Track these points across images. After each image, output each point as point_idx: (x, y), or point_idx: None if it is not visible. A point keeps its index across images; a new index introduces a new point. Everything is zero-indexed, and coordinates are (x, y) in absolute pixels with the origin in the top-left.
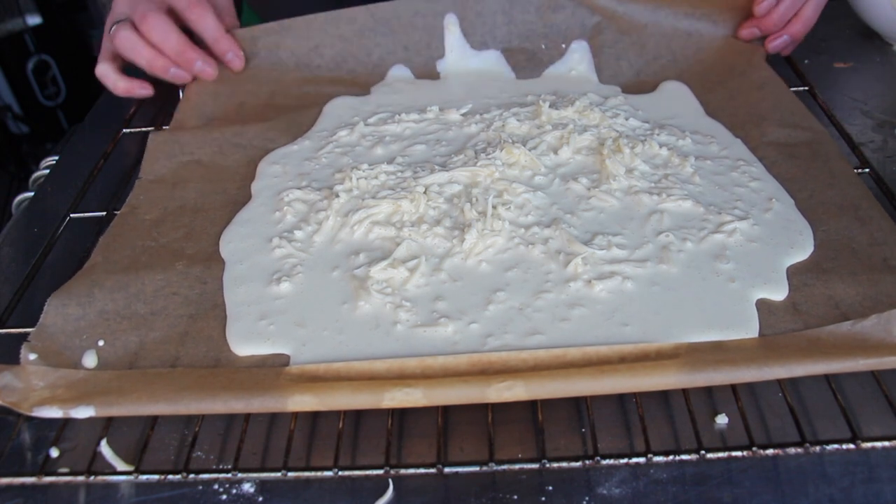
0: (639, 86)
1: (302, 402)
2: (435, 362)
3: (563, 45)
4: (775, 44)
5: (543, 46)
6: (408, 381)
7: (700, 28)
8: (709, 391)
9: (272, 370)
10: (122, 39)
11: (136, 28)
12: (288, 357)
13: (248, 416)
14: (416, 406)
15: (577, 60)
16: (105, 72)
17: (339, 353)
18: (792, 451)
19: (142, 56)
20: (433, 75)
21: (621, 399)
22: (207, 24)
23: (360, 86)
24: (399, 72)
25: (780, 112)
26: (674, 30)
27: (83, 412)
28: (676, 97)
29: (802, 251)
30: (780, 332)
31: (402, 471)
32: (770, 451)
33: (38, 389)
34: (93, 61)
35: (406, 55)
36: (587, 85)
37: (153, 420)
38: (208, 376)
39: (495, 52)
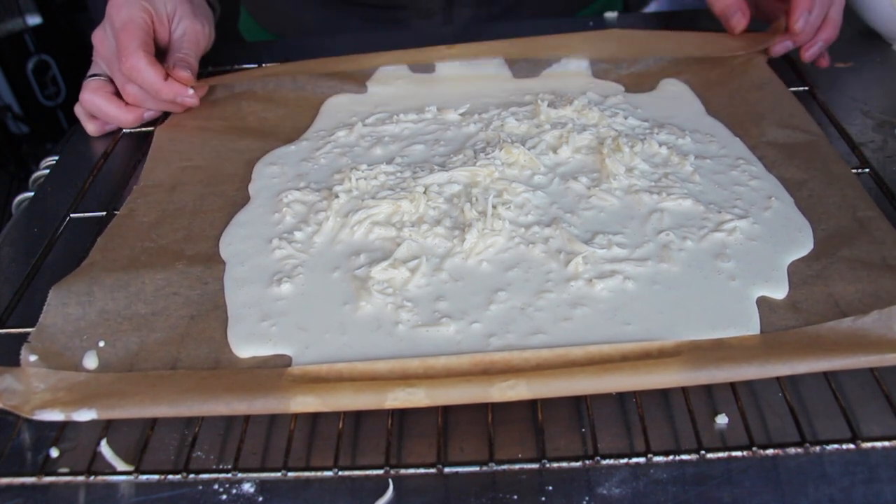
0: (638, 83)
1: (304, 402)
2: (437, 362)
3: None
4: (812, 52)
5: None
6: (410, 381)
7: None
8: (709, 391)
9: (274, 371)
10: (85, 102)
11: (102, 88)
12: (289, 358)
13: (248, 417)
14: (419, 406)
15: (577, 62)
16: (78, 112)
17: (341, 354)
18: (792, 451)
19: (107, 116)
20: (428, 66)
21: (621, 399)
22: (145, 79)
23: (355, 78)
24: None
25: (779, 113)
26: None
27: (85, 415)
28: (676, 96)
29: (802, 249)
30: (781, 330)
31: (402, 471)
32: (770, 451)
33: (38, 392)
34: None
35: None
36: (586, 83)
37: (153, 420)
38: (210, 378)
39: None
